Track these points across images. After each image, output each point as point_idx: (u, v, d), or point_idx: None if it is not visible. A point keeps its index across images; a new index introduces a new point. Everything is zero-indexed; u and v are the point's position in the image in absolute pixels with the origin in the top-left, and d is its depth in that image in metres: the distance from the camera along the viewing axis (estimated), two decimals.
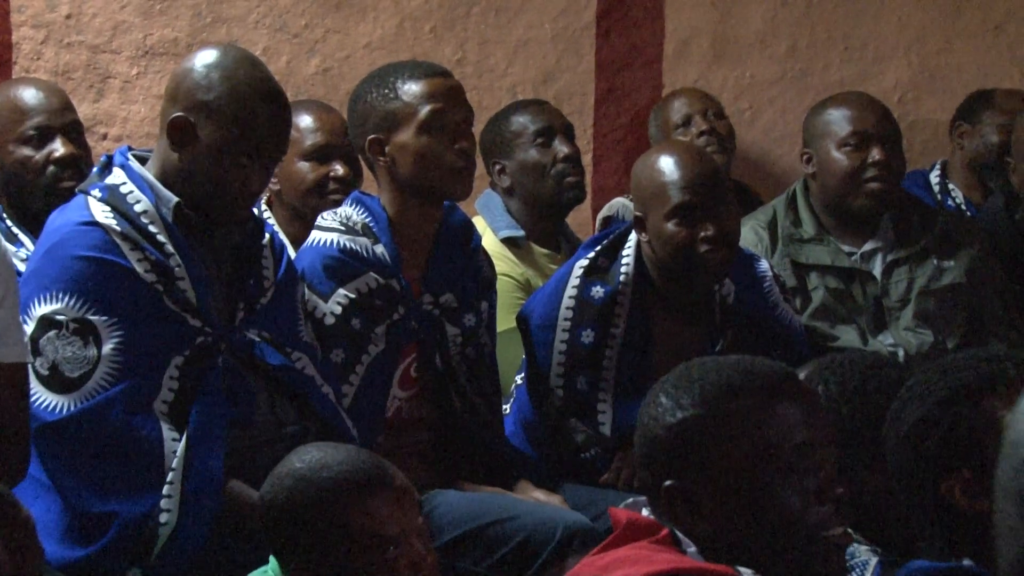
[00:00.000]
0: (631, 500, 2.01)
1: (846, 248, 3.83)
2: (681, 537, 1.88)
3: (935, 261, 3.83)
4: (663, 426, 1.89)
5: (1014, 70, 4.85)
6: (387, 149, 3.13)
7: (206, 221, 2.88)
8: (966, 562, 1.95)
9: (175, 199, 2.83)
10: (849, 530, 2.45)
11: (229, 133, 2.80)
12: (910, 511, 2.04)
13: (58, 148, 3.37)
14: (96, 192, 2.84)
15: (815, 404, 1.93)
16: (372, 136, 3.14)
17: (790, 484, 1.85)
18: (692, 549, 1.87)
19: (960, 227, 3.92)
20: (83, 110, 3.99)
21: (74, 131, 3.43)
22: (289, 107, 2.93)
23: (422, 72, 3.15)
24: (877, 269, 3.83)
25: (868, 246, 3.84)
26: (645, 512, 1.94)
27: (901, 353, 3.70)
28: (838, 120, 3.83)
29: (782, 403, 1.88)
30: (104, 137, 4.15)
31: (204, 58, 2.86)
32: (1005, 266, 3.97)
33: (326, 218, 3.19)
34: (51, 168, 3.36)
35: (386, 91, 3.13)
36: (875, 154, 3.77)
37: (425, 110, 3.10)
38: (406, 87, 3.12)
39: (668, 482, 1.87)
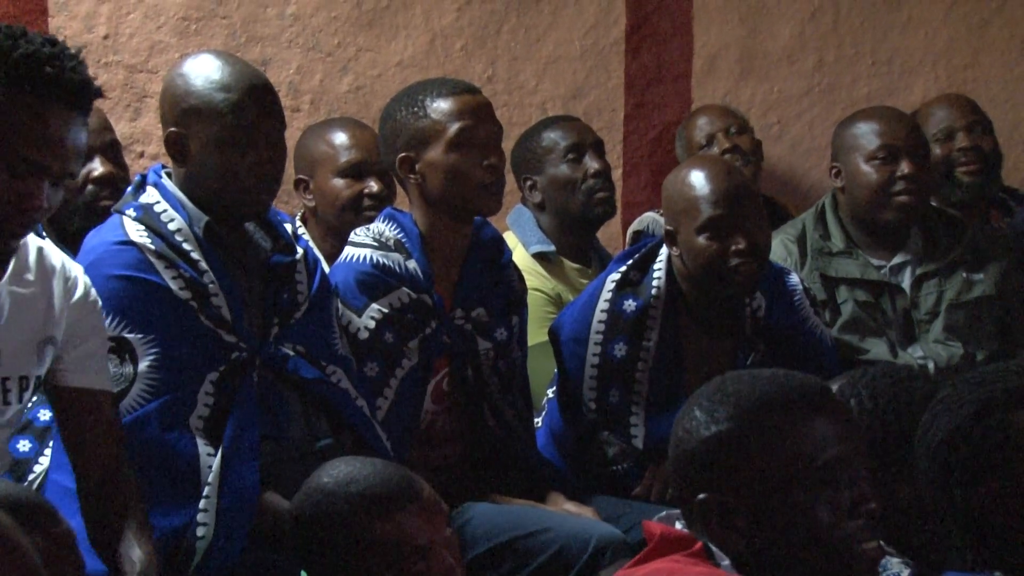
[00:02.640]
0: (664, 513, 2.00)
1: (875, 261, 3.83)
2: (715, 550, 1.88)
3: (964, 274, 3.83)
4: (698, 439, 1.90)
5: None
6: (417, 167, 3.15)
7: (236, 234, 2.91)
8: (997, 574, 1.95)
9: (205, 217, 2.86)
10: (881, 543, 2.47)
11: (216, 124, 2.84)
12: (941, 523, 2.04)
13: (97, 167, 3.39)
14: (131, 211, 2.87)
15: (848, 418, 1.93)
16: (402, 154, 3.16)
17: (823, 498, 1.86)
18: (726, 563, 1.88)
19: (989, 240, 3.92)
20: (120, 129, 4.03)
21: (112, 150, 3.45)
22: (269, 83, 2.95)
23: (450, 90, 3.17)
24: (906, 282, 3.83)
25: (897, 259, 3.85)
26: (679, 525, 1.94)
27: (931, 366, 3.70)
28: (867, 134, 3.84)
29: (816, 417, 1.89)
30: (141, 155, 4.19)
31: (175, 70, 2.93)
32: None
33: (359, 234, 3.22)
34: (90, 187, 3.39)
35: (415, 109, 3.15)
36: (904, 167, 3.77)
37: (454, 128, 3.13)
38: (435, 105, 3.15)
39: (702, 495, 1.88)
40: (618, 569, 2.00)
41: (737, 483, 1.87)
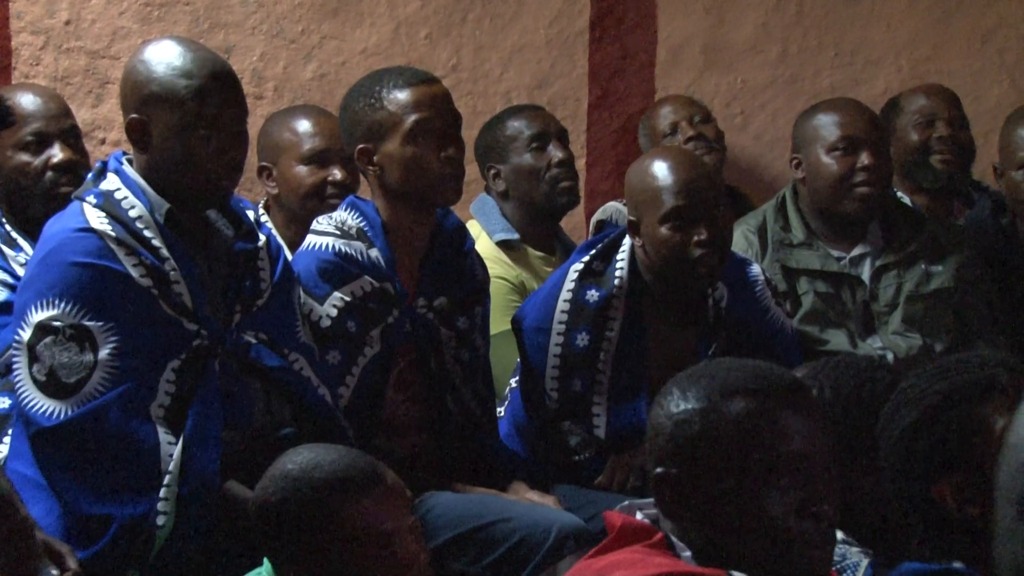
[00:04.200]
0: (626, 503, 2.01)
1: (835, 253, 3.85)
2: (676, 541, 1.88)
3: (923, 266, 3.86)
4: (666, 415, 1.91)
5: (1003, 76, 4.88)
6: (376, 158, 3.15)
7: (197, 221, 2.90)
8: (956, 565, 1.96)
9: (166, 204, 2.85)
10: (840, 533, 2.48)
11: (178, 110, 2.83)
12: (902, 514, 2.06)
13: (56, 153, 3.38)
14: (91, 198, 2.86)
15: (820, 420, 1.92)
16: (361, 145, 3.16)
17: (775, 490, 1.85)
18: (687, 554, 1.88)
19: (948, 232, 3.95)
20: (82, 115, 4.00)
21: (72, 136, 3.44)
22: (231, 70, 2.94)
23: (407, 80, 3.16)
24: (866, 274, 3.85)
25: (857, 251, 3.87)
26: (640, 516, 1.95)
27: (890, 356, 3.72)
28: (827, 125, 3.86)
29: (784, 410, 1.88)
30: (103, 142, 4.17)
31: (136, 56, 2.92)
32: (992, 270, 4.00)
33: (321, 222, 3.22)
34: (49, 173, 3.37)
35: (372, 101, 3.15)
36: (864, 159, 3.80)
37: (410, 120, 3.12)
38: (391, 96, 3.14)
39: (660, 469, 1.89)
40: (580, 558, 2.00)
41: (695, 461, 1.87)
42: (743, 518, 1.85)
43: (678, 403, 1.90)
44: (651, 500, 1.98)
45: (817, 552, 1.87)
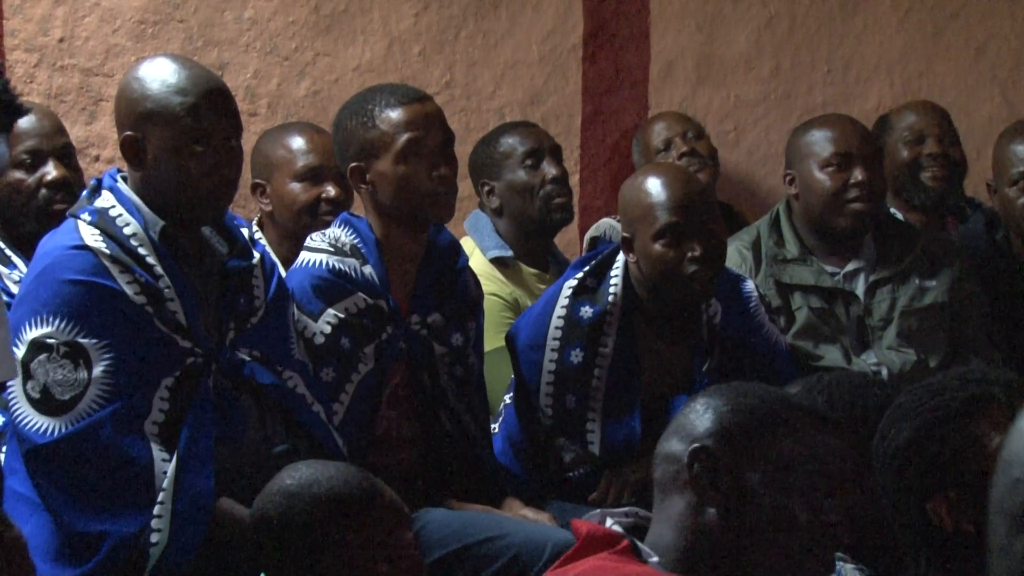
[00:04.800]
0: (596, 512, 2.02)
1: (829, 268, 3.86)
2: (642, 547, 1.88)
3: (917, 281, 3.87)
4: (714, 408, 1.96)
5: (995, 91, 4.89)
6: (368, 176, 3.15)
7: (192, 238, 2.91)
8: None
9: (161, 222, 2.85)
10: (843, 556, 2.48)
11: (172, 128, 2.83)
12: (897, 530, 2.06)
13: (50, 171, 3.38)
14: (86, 216, 2.86)
15: (857, 456, 2.03)
16: (353, 164, 3.16)
17: (809, 502, 1.91)
18: (654, 559, 1.87)
19: (942, 247, 3.96)
20: (76, 133, 4.00)
21: (66, 154, 3.44)
22: (225, 87, 2.95)
23: (398, 99, 3.16)
24: (860, 289, 3.86)
25: (851, 266, 3.87)
26: (610, 523, 1.94)
27: (884, 372, 3.73)
28: (820, 141, 3.87)
29: (839, 440, 1.97)
30: (97, 159, 4.17)
31: (131, 74, 2.92)
32: (986, 285, 4.00)
33: (315, 239, 3.22)
34: (43, 191, 3.37)
35: (364, 119, 3.15)
36: (857, 174, 3.80)
37: (402, 139, 3.12)
38: (383, 115, 3.14)
39: (697, 444, 1.92)
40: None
41: (738, 447, 1.92)
42: (771, 512, 1.89)
43: (727, 402, 1.96)
44: (623, 510, 2.00)
45: (818, 565, 1.91)
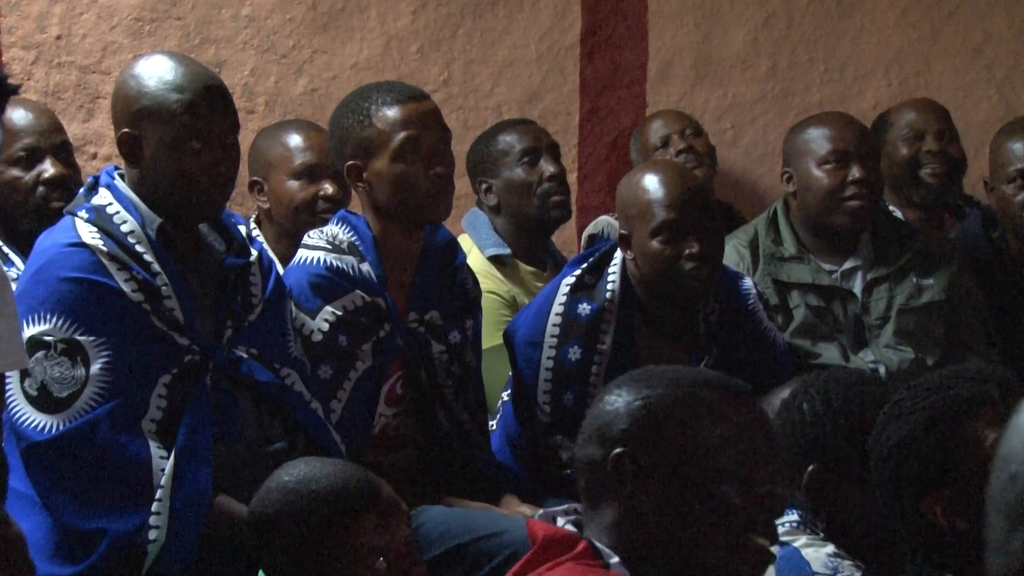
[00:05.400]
0: (541, 511, 1.97)
1: (826, 266, 3.86)
2: (601, 548, 1.85)
3: (914, 279, 3.87)
4: (625, 404, 1.89)
5: (992, 91, 4.90)
6: (365, 175, 3.15)
7: (189, 236, 2.91)
8: None
9: (158, 219, 2.85)
10: (832, 546, 2.48)
11: (169, 125, 2.83)
12: (893, 528, 2.06)
13: (47, 169, 3.38)
14: (83, 213, 2.86)
15: (773, 431, 1.95)
16: (349, 163, 3.16)
17: (738, 481, 1.85)
18: (615, 560, 1.85)
19: (939, 245, 3.96)
20: (73, 130, 4.00)
21: (63, 151, 3.44)
22: (223, 84, 2.95)
23: (395, 97, 3.16)
24: (857, 287, 3.86)
25: (848, 264, 3.88)
26: (561, 522, 1.92)
27: (882, 370, 3.73)
28: (818, 139, 3.87)
29: (751, 409, 1.90)
30: (94, 157, 4.17)
31: (127, 71, 2.92)
32: (983, 284, 4.01)
33: (312, 236, 3.22)
34: (41, 188, 3.38)
35: (360, 118, 3.15)
36: (855, 172, 3.80)
37: (398, 138, 3.12)
38: (380, 114, 3.14)
39: (619, 449, 1.86)
40: None
41: (659, 445, 1.86)
42: (703, 504, 1.84)
43: (637, 395, 1.89)
44: (566, 507, 1.96)
45: (764, 547, 1.87)
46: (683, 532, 1.84)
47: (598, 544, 1.85)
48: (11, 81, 2.31)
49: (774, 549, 1.90)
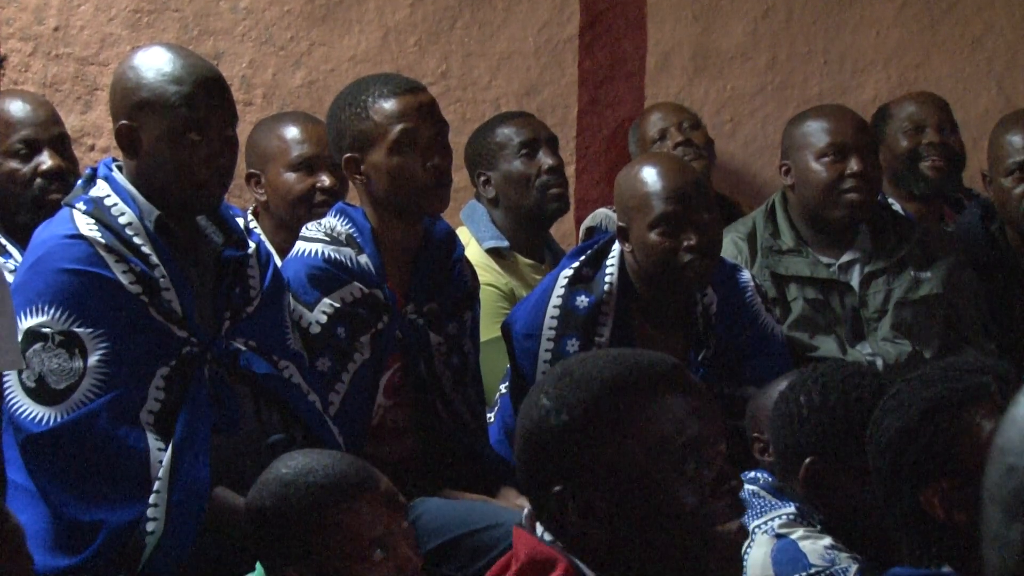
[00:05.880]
0: (528, 511, 1.87)
1: (824, 259, 3.86)
2: (584, 569, 1.78)
3: (912, 272, 3.87)
4: (547, 429, 1.78)
5: (991, 83, 4.90)
6: (362, 168, 3.15)
7: (187, 228, 2.91)
8: (945, 569, 1.96)
9: (156, 211, 2.85)
10: (829, 538, 2.49)
11: (168, 117, 2.83)
12: (890, 519, 2.06)
13: (45, 161, 3.38)
14: (81, 205, 2.86)
15: (704, 396, 1.81)
16: (347, 155, 3.16)
17: (685, 480, 1.76)
18: None
19: (937, 238, 3.96)
20: (71, 122, 4.00)
21: (61, 143, 3.44)
22: (221, 76, 2.94)
23: (391, 90, 3.15)
24: (855, 280, 3.86)
25: (846, 257, 3.88)
26: (540, 529, 1.83)
27: (880, 363, 3.73)
28: (816, 132, 3.87)
29: (671, 395, 1.78)
30: (92, 148, 4.17)
31: (126, 63, 2.92)
32: (981, 277, 4.01)
33: (310, 228, 3.22)
34: (38, 181, 3.37)
35: (357, 110, 3.15)
36: (853, 165, 3.80)
37: (395, 130, 3.12)
38: (376, 106, 3.14)
39: (558, 487, 1.76)
40: None
41: (594, 471, 1.75)
42: (658, 515, 1.75)
43: (558, 414, 1.77)
44: None
45: (733, 530, 1.79)
46: (648, 550, 1.76)
47: (579, 564, 1.77)
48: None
49: (744, 520, 1.82)
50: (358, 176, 3.16)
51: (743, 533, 1.81)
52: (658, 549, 1.76)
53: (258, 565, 2.44)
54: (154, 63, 2.86)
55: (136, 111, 2.85)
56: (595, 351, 1.90)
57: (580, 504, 1.76)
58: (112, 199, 2.86)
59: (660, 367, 1.80)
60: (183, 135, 2.83)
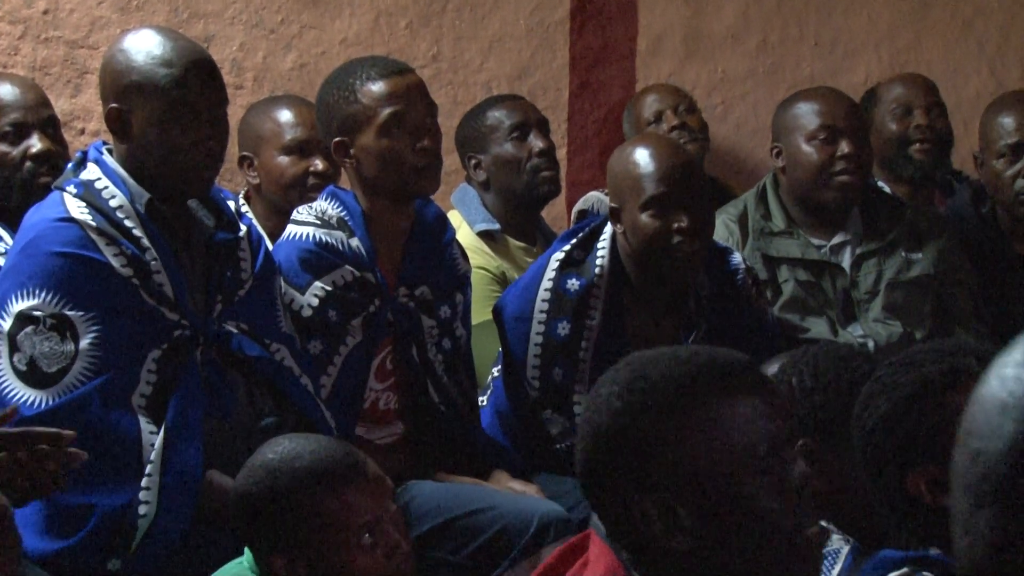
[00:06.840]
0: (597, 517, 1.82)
1: (815, 241, 3.86)
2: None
3: (903, 253, 3.87)
4: (623, 435, 1.71)
5: (983, 66, 4.90)
6: (352, 151, 3.15)
7: (178, 211, 2.90)
8: (933, 551, 1.96)
9: (147, 194, 2.84)
10: (822, 523, 2.49)
11: (158, 100, 2.82)
12: (878, 502, 2.06)
13: (35, 144, 3.37)
14: (71, 188, 2.86)
15: (778, 395, 1.77)
16: (336, 139, 3.15)
17: (770, 484, 1.71)
18: None
19: (928, 220, 3.96)
20: (60, 105, 3.99)
21: (51, 127, 3.43)
22: (211, 59, 2.94)
23: (379, 72, 3.15)
24: (846, 262, 3.86)
25: (837, 239, 3.88)
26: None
27: (871, 344, 3.73)
28: (807, 114, 3.87)
29: (751, 397, 1.72)
30: (82, 132, 4.15)
31: (115, 46, 2.92)
32: (972, 258, 4.01)
33: (301, 212, 3.21)
34: (28, 164, 3.36)
35: (346, 93, 3.14)
36: (844, 147, 3.80)
37: (384, 113, 3.11)
38: (364, 89, 3.13)
39: (637, 496, 1.69)
40: (560, 545, 1.95)
41: (677, 478, 1.68)
42: (745, 522, 1.69)
43: (636, 417, 1.70)
44: None
45: (813, 534, 1.75)
46: (734, 558, 1.70)
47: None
48: None
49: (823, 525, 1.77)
50: (348, 159, 3.16)
51: (825, 535, 1.79)
52: (744, 556, 1.71)
53: (246, 550, 2.44)
54: (144, 46, 2.85)
55: (126, 94, 2.85)
56: (661, 349, 1.79)
57: (663, 513, 1.69)
58: (103, 182, 2.85)
59: (737, 367, 1.74)
60: (173, 118, 2.82)
